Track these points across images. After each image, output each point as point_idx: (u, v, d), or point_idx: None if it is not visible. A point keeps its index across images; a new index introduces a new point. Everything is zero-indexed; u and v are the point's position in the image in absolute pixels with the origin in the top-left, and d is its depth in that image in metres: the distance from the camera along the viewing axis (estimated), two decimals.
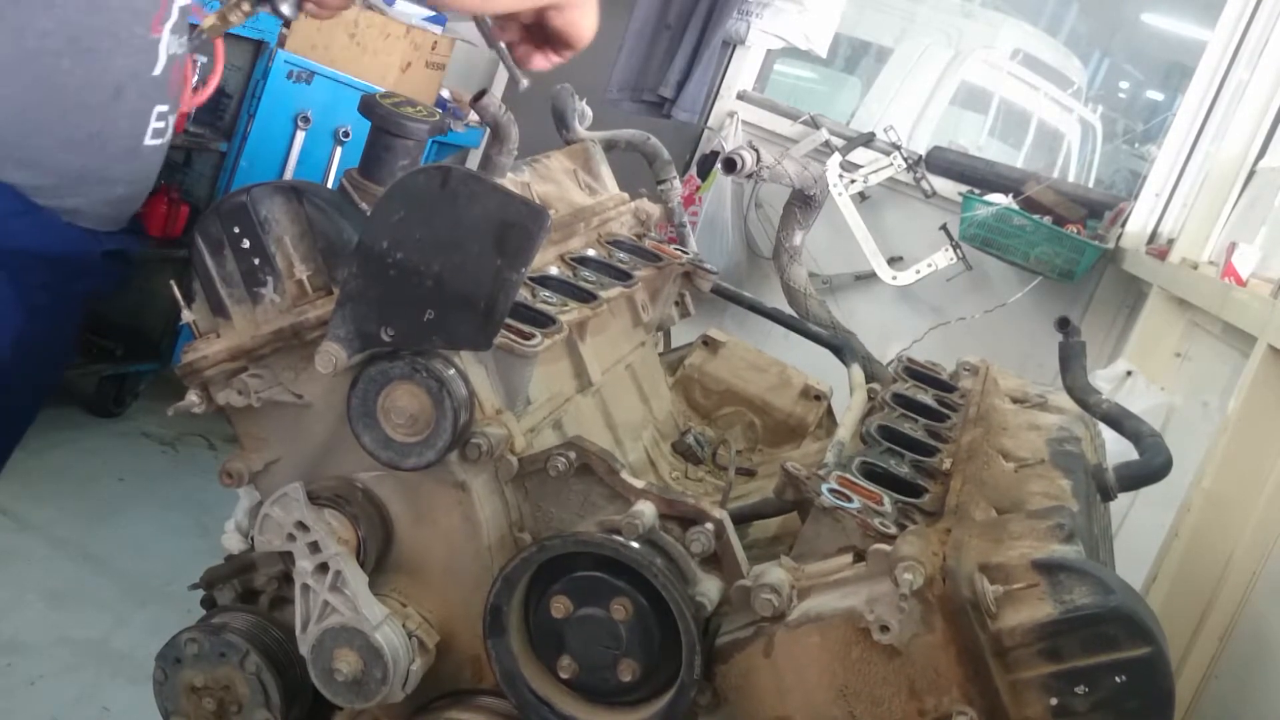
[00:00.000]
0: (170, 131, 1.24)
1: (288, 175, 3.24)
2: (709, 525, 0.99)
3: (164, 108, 1.20)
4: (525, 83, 1.25)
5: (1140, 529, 2.25)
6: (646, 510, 0.99)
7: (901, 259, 3.47)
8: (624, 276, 1.41)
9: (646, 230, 1.65)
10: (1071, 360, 1.35)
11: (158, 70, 1.16)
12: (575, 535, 1.01)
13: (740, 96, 3.76)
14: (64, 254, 1.15)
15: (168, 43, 1.16)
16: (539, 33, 1.25)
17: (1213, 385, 2.40)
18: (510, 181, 1.41)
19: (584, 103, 1.64)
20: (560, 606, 1.01)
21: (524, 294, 1.21)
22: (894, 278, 3.37)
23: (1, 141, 1.07)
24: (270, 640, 1.12)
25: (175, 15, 1.16)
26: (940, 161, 3.59)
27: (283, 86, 3.19)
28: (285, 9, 1.21)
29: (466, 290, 0.95)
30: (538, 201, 0.95)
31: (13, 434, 1.29)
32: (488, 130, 1.52)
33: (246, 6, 1.24)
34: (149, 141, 1.19)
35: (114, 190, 1.18)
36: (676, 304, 1.66)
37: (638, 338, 1.55)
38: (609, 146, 1.70)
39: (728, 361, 1.68)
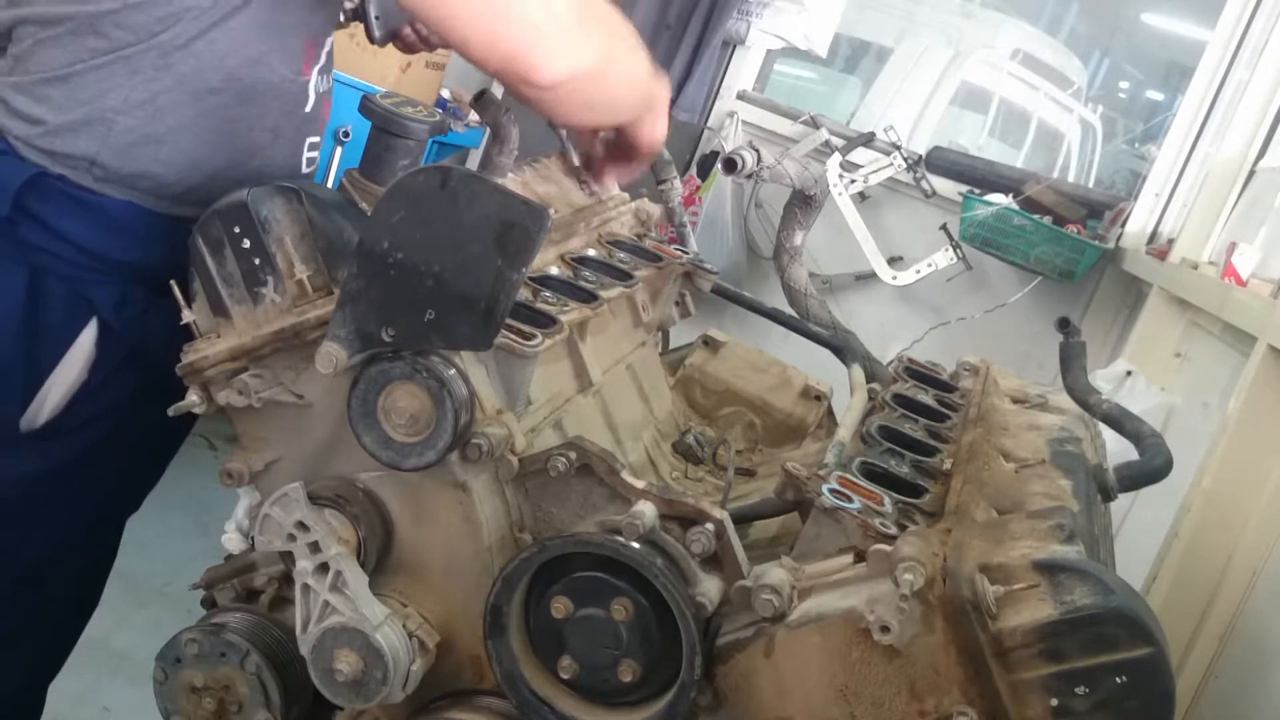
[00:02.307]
0: (320, 159, 1.32)
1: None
2: (709, 525, 0.99)
3: (315, 139, 1.29)
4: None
5: (1140, 529, 2.25)
6: (647, 510, 0.99)
7: (901, 259, 3.47)
8: (624, 276, 1.40)
9: (647, 230, 1.65)
10: (1072, 360, 1.35)
11: (309, 108, 1.24)
12: (576, 535, 1.01)
13: (740, 96, 3.76)
14: None
15: (315, 82, 1.24)
16: (617, 144, 1.42)
17: (1213, 385, 2.40)
18: (510, 181, 1.41)
19: None
20: (561, 607, 1.01)
21: (524, 294, 1.21)
22: (894, 278, 3.37)
23: (181, 177, 1.14)
24: (270, 640, 1.12)
25: (323, 59, 1.25)
26: (940, 161, 3.59)
27: None
28: (376, 33, 1.28)
29: (467, 290, 0.95)
30: (538, 201, 0.95)
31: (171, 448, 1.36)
32: (488, 130, 1.52)
33: (342, 18, 1.31)
34: (305, 170, 1.27)
35: None
36: (677, 304, 1.66)
37: (638, 338, 1.55)
38: None
39: (728, 361, 1.68)
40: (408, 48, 1.41)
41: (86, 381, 1.15)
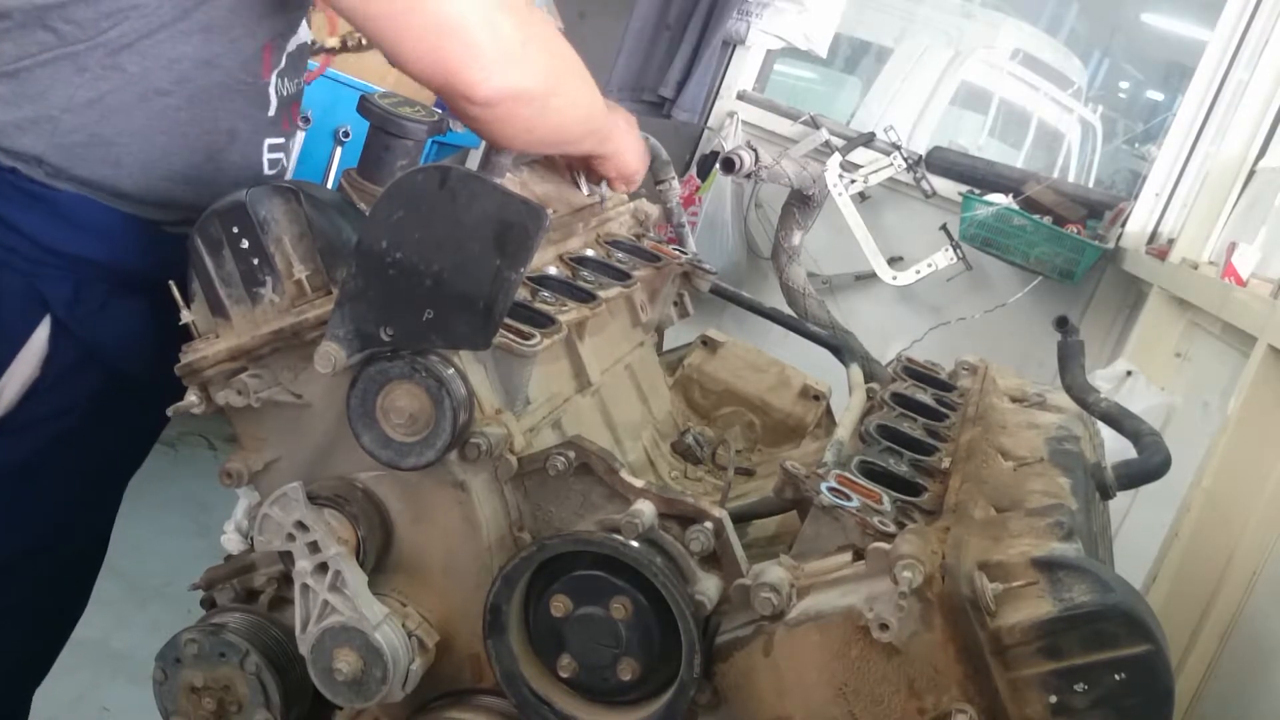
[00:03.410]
0: (288, 160, 1.30)
1: (287, 175, 3.24)
2: (708, 524, 0.99)
3: (276, 140, 1.26)
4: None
5: (1140, 528, 2.25)
6: (646, 509, 0.99)
7: (901, 259, 3.47)
8: (623, 276, 1.41)
9: (645, 230, 1.65)
10: (1070, 359, 1.35)
11: (271, 111, 1.22)
12: (575, 534, 1.01)
13: (740, 96, 3.76)
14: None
15: (277, 85, 1.22)
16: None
17: (1213, 385, 2.40)
18: (509, 181, 1.41)
19: None
20: (560, 606, 1.01)
21: (523, 294, 1.21)
22: (894, 278, 3.37)
23: (134, 180, 1.11)
24: (270, 640, 1.12)
25: (284, 62, 1.22)
26: (940, 161, 3.59)
27: None
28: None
29: (466, 290, 0.95)
30: (536, 201, 0.95)
31: (142, 445, 1.34)
32: None
33: (365, 40, 1.31)
34: (267, 173, 1.25)
35: None
36: (675, 304, 1.66)
37: (637, 338, 1.55)
38: None
39: (727, 361, 1.68)
40: None
41: (40, 378, 1.12)
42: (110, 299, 1.13)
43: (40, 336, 1.11)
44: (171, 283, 1.08)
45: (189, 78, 1.11)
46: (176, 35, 1.08)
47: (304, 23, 1.26)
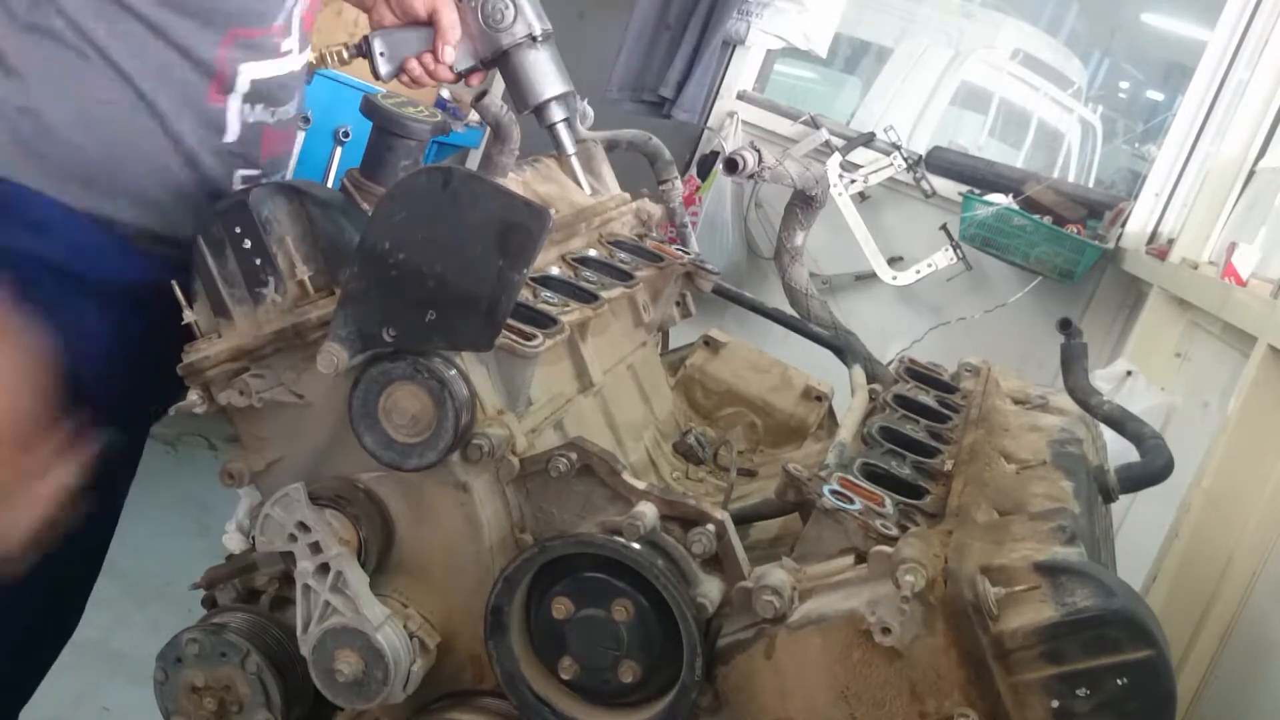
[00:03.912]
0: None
1: (288, 175, 3.23)
2: (710, 526, 0.99)
3: (250, 172, 1.22)
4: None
5: (1140, 529, 2.25)
6: (648, 511, 0.99)
7: (901, 259, 3.47)
8: (625, 277, 1.40)
9: (648, 230, 1.65)
10: (1073, 361, 1.35)
11: (230, 137, 1.18)
12: (576, 536, 1.01)
13: (740, 96, 3.76)
14: (157, 286, 1.13)
15: (240, 111, 1.18)
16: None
17: (1213, 385, 2.40)
18: (511, 181, 1.41)
19: (585, 103, 1.64)
20: (561, 607, 1.01)
21: (525, 294, 1.21)
22: (894, 278, 3.36)
23: (88, 187, 1.09)
24: (271, 640, 1.12)
25: (247, 86, 1.17)
26: (940, 161, 3.59)
27: None
28: (382, 70, 1.27)
29: (468, 291, 0.95)
30: (539, 202, 0.95)
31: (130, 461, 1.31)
32: (489, 130, 1.52)
33: (345, 54, 1.30)
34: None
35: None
36: (677, 304, 1.66)
37: (639, 338, 1.55)
38: (610, 147, 1.70)
39: (729, 362, 1.68)
40: (414, 82, 1.38)
41: None
42: (57, 300, 1.08)
43: None
44: (174, 282, 1.08)
45: (138, 88, 1.08)
46: (110, 46, 1.05)
47: (292, 52, 1.23)
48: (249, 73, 1.18)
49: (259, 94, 1.20)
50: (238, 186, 1.21)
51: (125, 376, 1.15)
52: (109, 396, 1.12)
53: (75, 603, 1.35)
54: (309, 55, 1.31)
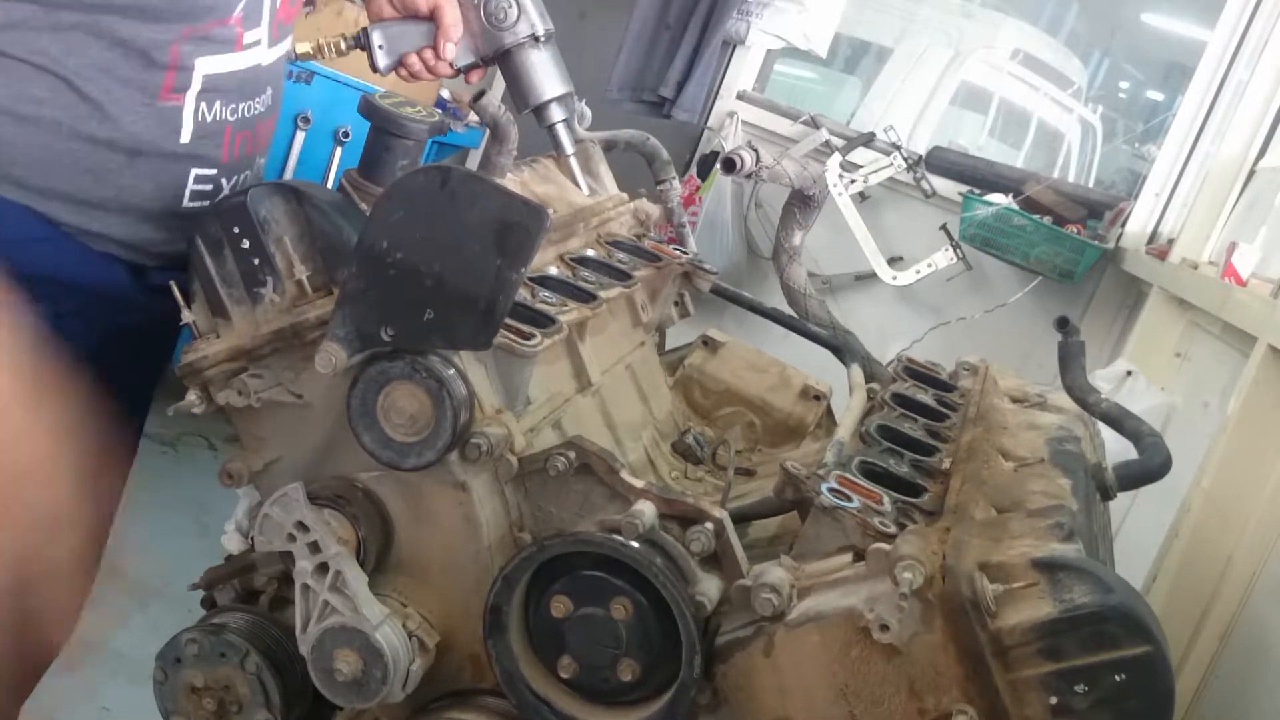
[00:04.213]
0: (226, 192, 1.22)
1: (287, 175, 3.24)
2: (709, 524, 0.99)
3: (207, 171, 1.18)
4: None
5: (1140, 529, 2.25)
6: (646, 510, 0.99)
7: (901, 259, 3.47)
8: (623, 277, 1.41)
9: (646, 230, 1.65)
10: (1071, 360, 1.35)
11: (185, 138, 1.14)
12: (575, 535, 1.01)
13: (740, 96, 3.76)
14: (96, 284, 1.12)
15: (196, 109, 1.14)
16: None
17: (1213, 385, 2.40)
18: (510, 181, 1.41)
19: (584, 103, 1.64)
20: (560, 606, 1.01)
21: (523, 294, 1.21)
22: (894, 278, 3.36)
23: (23, 179, 1.07)
24: (270, 640, 1.12)
25: (199, 83, 1.14)
26: (940, 161, 3.59)
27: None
28: (381, 63, 1.25)
29: (466, 290, 0.95)
30: (537, 201, 0.95)
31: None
32: (487, 130, 1.52)
33: (343, 45, 1.28)
34: (189, 204, 1.17)
35: (156, 245, 1.17)
36: (676, 304, 1.66)
37: (637, 338, 1.55)
38: (609, 147, 1.70)
39: (727, 361, 1.68)
40: (412, 76, 1.36)
41: None
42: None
43: None
44: (172, 283, 1.08)
45: (73, 85, 1.05)
46: (48, 41, 1.03)
47: (260, 44, 1.19)
48: (203, 67, 1.13)
49: (216, 89, 1.16)
50: (191, 188, 1.17)
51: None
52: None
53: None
54: (288, 48, 1.28)
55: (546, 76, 1.34)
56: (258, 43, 1.19)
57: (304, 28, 1.30)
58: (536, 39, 1.31)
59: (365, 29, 1.29)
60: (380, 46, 1.29)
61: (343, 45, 1.30)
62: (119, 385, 1.14)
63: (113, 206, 1.12)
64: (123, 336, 1.19)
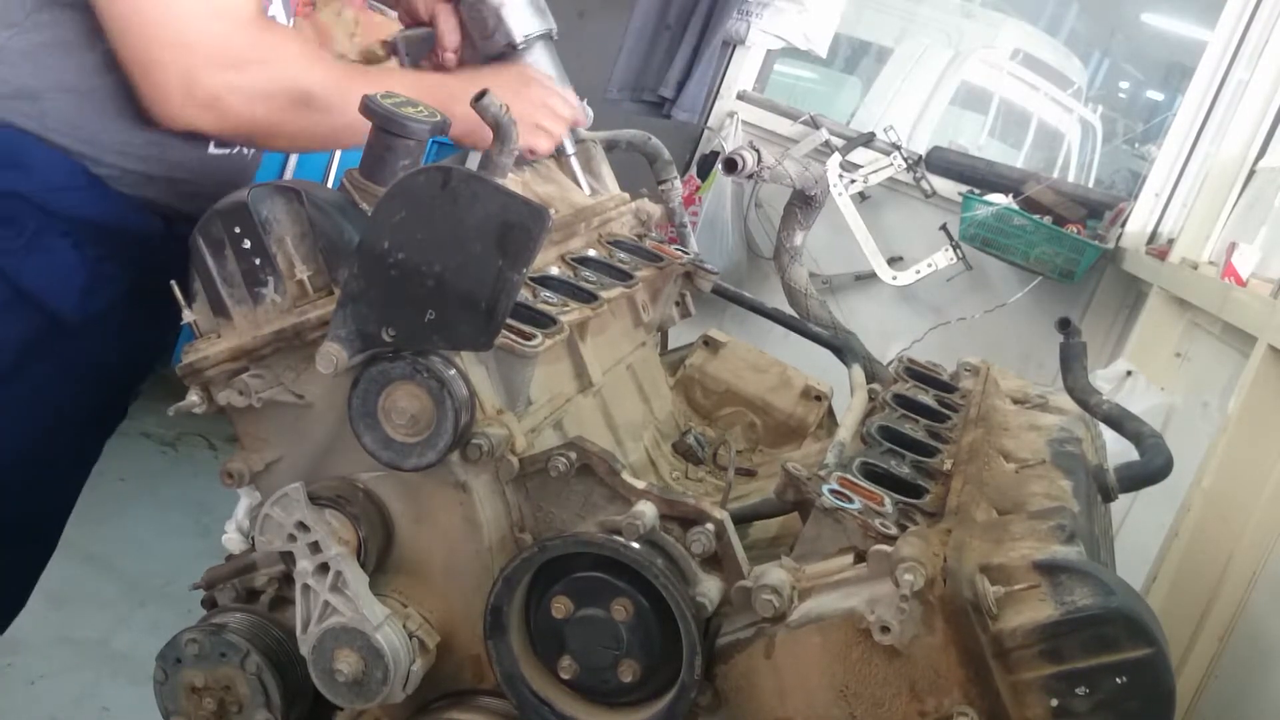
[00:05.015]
0: (246, 150, 1.30)
1: (288, 175, 3.24)
2: (710, 525, 0.99)
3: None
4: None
5: (1140, 529, 2.25)
6: (647, 510, 0.99)
7: (901, 259, 3.47)
8: (625, 277, 1.41)
9: (647, 230, 1.65)
10: (1072, 361, 1.35)
11: None
12: (576, 536, 1.01)
13: (740, 96, 3.76)
14: (132, 229, 1.18)
15: None
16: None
17: (1213, 385, 2.40)
18: (511, 181, 1.41)
19: (584, 103, 1.64)
20: (561, 607, 1.01)
21: (525, 294, 1.21)
22: (894, 278, 3.37)
23: (62, 135, 1.13)
24: (271, 640, 1.12)
25: None
26: (940, 161, 3.59)
27: None
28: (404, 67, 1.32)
29: (468, 290, 0.95)
30: (538, 202, 0.95)
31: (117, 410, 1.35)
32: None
33: (381, 52, 1.38)
34: (213, 150, 1.24)
35: (183, 188, 1.23)
36: (677, 304, 1.66)
37: (638, 338, 1.55)
38: (609, 147, 1.70)
39: (728, 362, 1.68)
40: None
41: None
42: (37, 236, 1.14)
43: None
44: (173, 282, 1.08)
45: (111, 66, 1.11)
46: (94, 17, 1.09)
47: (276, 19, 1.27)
48: None
49: None
50: (213, 151, 1.24)
51: (104, 316, 1.18)
52: (89, 333, 1.17)
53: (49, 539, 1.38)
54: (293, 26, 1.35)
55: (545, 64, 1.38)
56: (273, 18, 1.27)
57: (304, 28, 1.35)
58: (514, 46, 1.35)
59: (394, 38, 1.39)
60: (407, 54, 1.36)
61: (380, 51, 1.39)
62: (141, 332, 1.18)
63: (151, 156, 1.17)
64: (153, 284, 1.23)
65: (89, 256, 1.15)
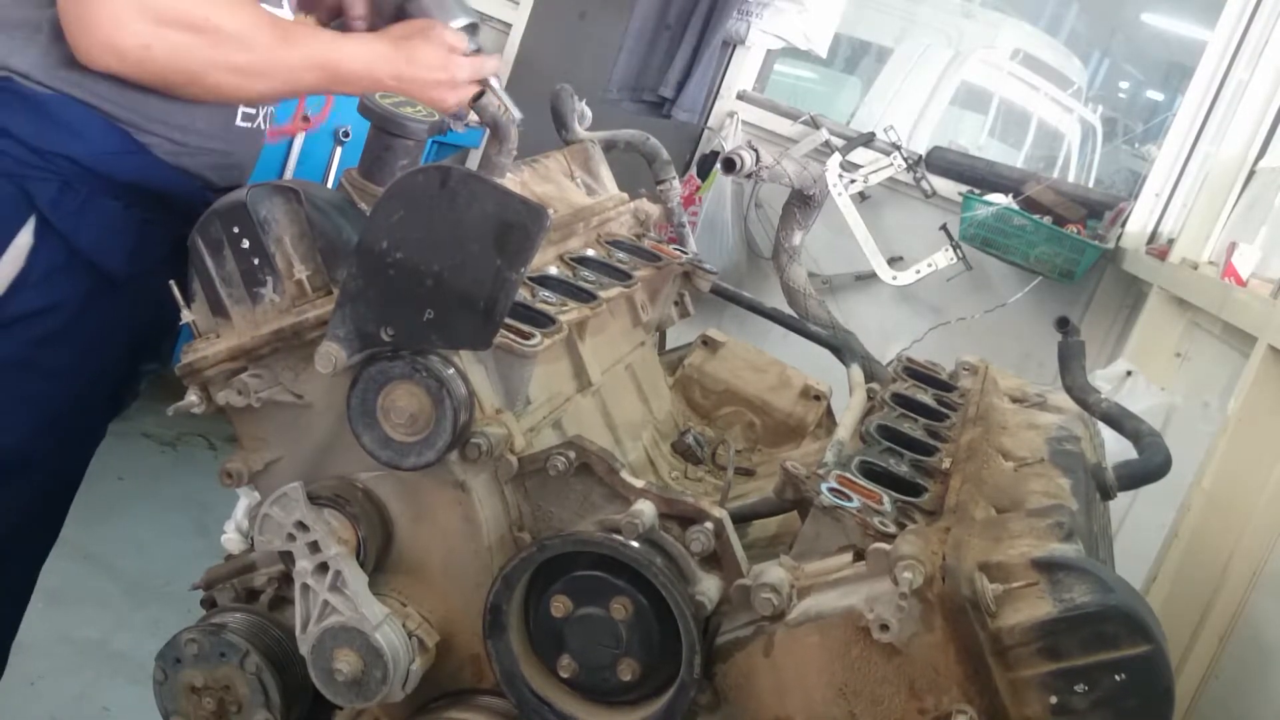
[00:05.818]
0: (262, 118, 1.33)
1: (288, 175, 3.24)
2: (708, 524, 0.99)
3: (249, 110, 1.30)
4: (519, 115, 1.35)
5: (1140, 529, 2.25)
6: (646, 509, 0.99)
7: (901, 259, 3.47)
8: (623, 276, 1.41)
9: (646, 230, 1.65)
10: (1071, 360, 1.35)
11: None
12: (575, 535, 1.01)
13: (740, 96, 3.76)
14: (173, 193, 1.23)
15: None
16: None
17: (1213, 385, 2.40)
18: (509, 181, 1.41)
19: (584, 103, 1.64)
20: (560, 606, 1.01)
21: (523, 294, 1.21)
22: (894, 278, 3.36)
23: (110, 100, 1.16)
24: (270, 640, 1.12)
25: None
26: (940, 161, 3.59)
27: None
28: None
29: (466, 290, 0.95)
30: (537, 201, 0.95)
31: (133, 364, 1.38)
32: (487, 130, 1.52)
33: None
34: (239, 124, 1.28)
35: (211, 157, 1.27)
36: (676, 304, 1.66)
37: (637, 338, 1.55)
38: (609, 147, 1.70)
39: (727, 361, 1.68)
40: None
41: (25, 274, 1.17)
42: (90, 199, 1.17)
43: (26, 234, 1.16)
44: (173, 282, 1.09)
45: None
46: None
47: (281, 7, 1.29)
48: None
49: None
50: (241, 110, 1.27)
51: (147, 276, 1.21)
52: (136, 287, 1.21)
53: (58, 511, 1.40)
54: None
55: (439, 9, 1.34)
56: (279, 6, 1.30)
57: None
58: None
59: None
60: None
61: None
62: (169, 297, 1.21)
63: (184, 125, 1.21)
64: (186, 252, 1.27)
65: (136, 219, 1.19)
